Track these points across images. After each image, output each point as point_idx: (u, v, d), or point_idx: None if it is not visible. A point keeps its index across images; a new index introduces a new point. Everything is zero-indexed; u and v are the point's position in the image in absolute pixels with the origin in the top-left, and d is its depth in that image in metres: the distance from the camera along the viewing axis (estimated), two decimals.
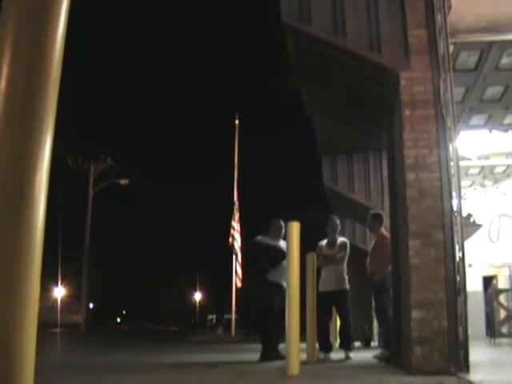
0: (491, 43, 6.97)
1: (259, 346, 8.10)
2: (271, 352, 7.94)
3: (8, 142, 1.38)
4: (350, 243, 8.74)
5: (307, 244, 7.04)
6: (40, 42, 1.43)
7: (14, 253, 1.36)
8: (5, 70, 1.39)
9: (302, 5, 6.26)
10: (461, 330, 5.19)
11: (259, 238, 8.46)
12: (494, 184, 14.55)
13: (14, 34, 1.41)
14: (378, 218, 8.37)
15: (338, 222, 8.87)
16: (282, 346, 7.39)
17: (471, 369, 5.05)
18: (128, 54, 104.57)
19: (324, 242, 8.53)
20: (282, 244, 8.26)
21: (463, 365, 5.07)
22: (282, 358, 6.95)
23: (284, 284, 8.14)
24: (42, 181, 1.41)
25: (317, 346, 7.98)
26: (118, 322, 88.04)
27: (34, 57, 1.42)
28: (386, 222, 8.22)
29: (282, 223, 8.31)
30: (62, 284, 42.71)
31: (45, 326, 27.09)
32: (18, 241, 1.37)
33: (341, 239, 8.58)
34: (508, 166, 13.40)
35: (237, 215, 23.84)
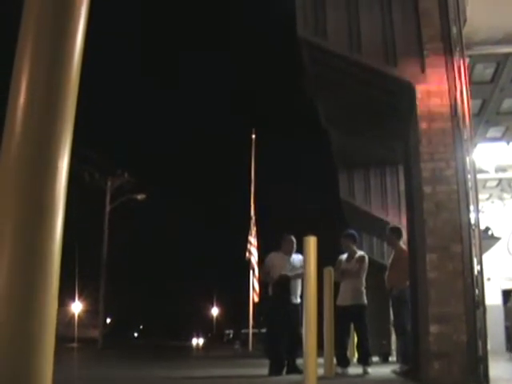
0: (507, 55, 6.95)
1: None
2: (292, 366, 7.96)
3: (26, 152, 1.39)
4: (368, 257, 8.68)
5: (324, 258, 7.02)
6: (60, 49, 1.43)
7: (31, 267, 1.37)
8: (24, 81, 1.41)
9: (317, 19, 6.30)
10: (480, 344, 5.13)
11: (272, 255, 8.49)
12: None
13: (34, 40, 1.43)
14: (396, 232, 8.33)
15: (355, 234, 8.83)
16: (299, 361, 7.35)
17: None
18: (144, 67, 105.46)
19: (344, 256, 8.48)
20: (294, 258, 8.29)
21: (483, 380, 5.01)
22: (300, 372, 6.91)
23: (293, 299, 8.18)
24: (60, 193, 1.42)
25: (334, 360, 7.92)
26: (135, 337, 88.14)
27: (54, 63, 1.43)
28: (404, 235, 8.17)
29: (293, 239, 8.36)
30: (79, 299, 42.98)
31: (62, 340, 27.19)
32: (36, 254, 1.38)
33: (359, 253, 8.54)
34: None
35: (254, 230, 23.81)
